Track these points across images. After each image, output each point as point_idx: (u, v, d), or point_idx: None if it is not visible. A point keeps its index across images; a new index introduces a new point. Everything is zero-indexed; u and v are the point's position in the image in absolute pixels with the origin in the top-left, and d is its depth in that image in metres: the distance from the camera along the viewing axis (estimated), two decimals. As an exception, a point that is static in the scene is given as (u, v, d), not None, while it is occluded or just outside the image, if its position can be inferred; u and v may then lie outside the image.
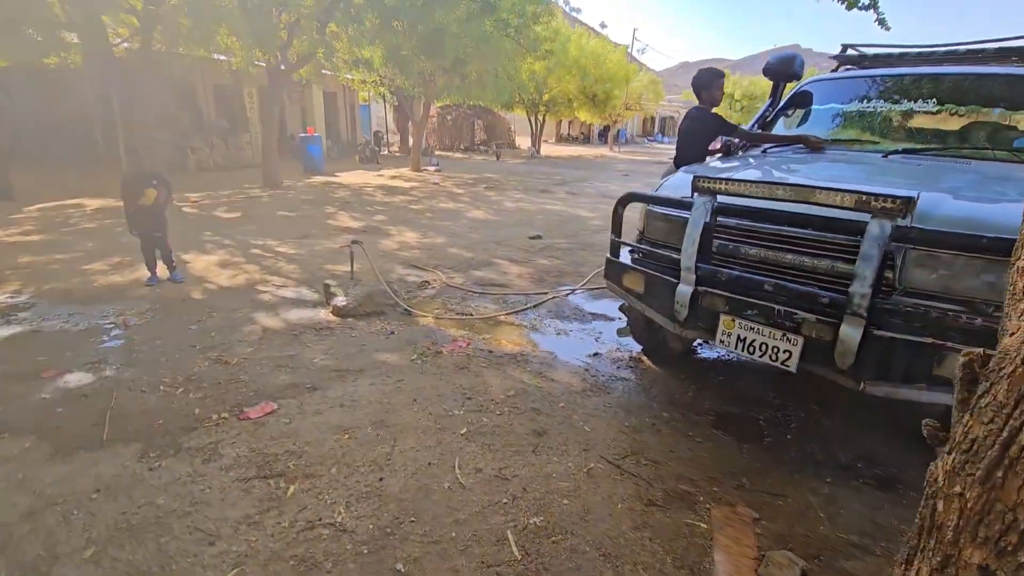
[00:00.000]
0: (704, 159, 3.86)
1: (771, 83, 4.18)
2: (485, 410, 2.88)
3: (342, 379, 3.17)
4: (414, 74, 12.04)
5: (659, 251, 2.83)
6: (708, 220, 2.43)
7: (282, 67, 10.71)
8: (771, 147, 3.62)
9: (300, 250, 6.18)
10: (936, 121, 3.32)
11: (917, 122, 3.41)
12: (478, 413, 2.85)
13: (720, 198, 2.43)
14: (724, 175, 2.69)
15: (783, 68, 4.03)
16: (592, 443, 2.62)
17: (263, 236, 6.86)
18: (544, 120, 26.77)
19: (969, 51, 3.65)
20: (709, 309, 2.46)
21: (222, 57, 12.16)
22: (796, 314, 2.18)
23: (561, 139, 41.09)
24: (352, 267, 4.80)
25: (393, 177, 14.21)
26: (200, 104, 15.19)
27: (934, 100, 3.27)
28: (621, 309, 3.79)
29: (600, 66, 23.81)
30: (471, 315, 4.29)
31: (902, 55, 3.88)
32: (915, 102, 3.36)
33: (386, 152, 22.45)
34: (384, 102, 22.49)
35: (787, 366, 2.24)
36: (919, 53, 3.80)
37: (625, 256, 3.06)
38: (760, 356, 2.31)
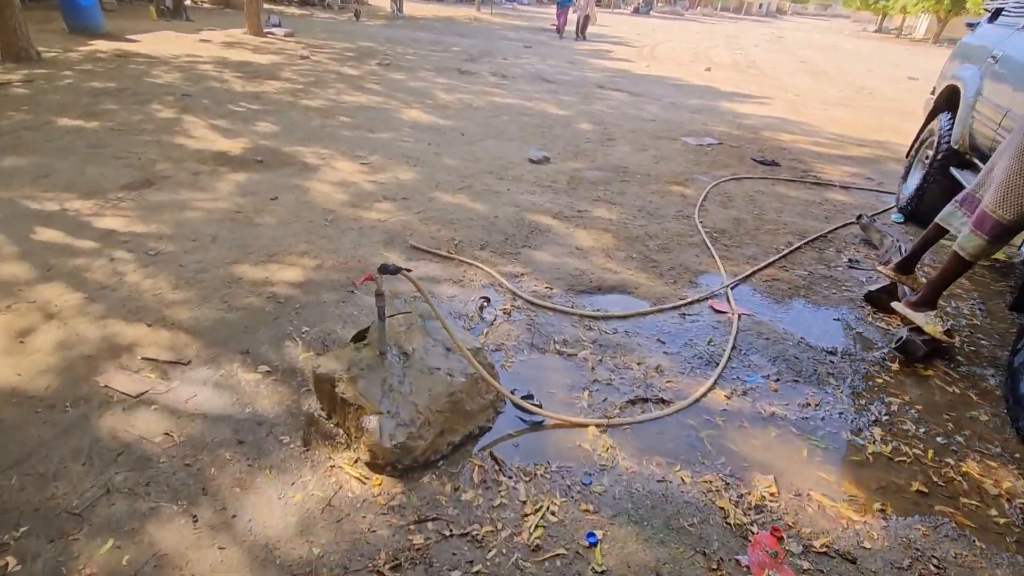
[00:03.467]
0: None
1: None
2: None
3: None
4: None
5: None
6: None
7: None
8: None
9: (147, 226, 3.11)
10: None
11: None
12: None
13: None
14: None
15: None
16: None
17: (41, 187, 3.46)
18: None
19: None
20: None
21: None
22: None
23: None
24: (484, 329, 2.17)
25: (228, 45, 9.65)
26: None
27: None
28: None
29: None
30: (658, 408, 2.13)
31: None
32: None
33: (190, 2, 15.99)
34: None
35: None
36: None
37: None
38: None
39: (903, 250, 3.50)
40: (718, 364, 2.32)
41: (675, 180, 4.78)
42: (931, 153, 4.31)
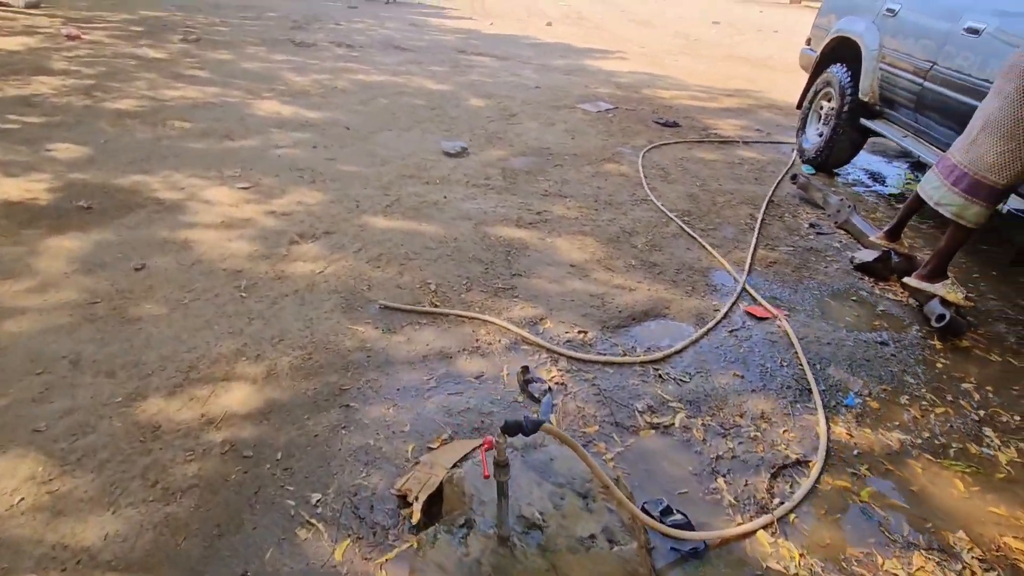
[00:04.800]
0: None
1: None
2: None
3: None
4: None
5: None
6: None
7: None
8: None
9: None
10: None
11: None
12: None
13: None
14: None
15: None
16: None
17: None
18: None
19: None
20: None
21: None
22: None
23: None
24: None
25: (-61, 24, 6.84)
26: None
27: None
28: None
29: None
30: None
31: None
32: None
33: None
34: None
35: None
36: None
37: None
38: None
39: (853, 207, 3.61)
40: (809, 390, 2.06)
41: (603, 157, 4.44)
42: (830, 104, 4.53)
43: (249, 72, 5.89)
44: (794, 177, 4.11)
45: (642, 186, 3.91)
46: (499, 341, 2.21)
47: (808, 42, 5.12)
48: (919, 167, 4.84)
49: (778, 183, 4.16)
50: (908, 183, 4.65)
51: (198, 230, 2.82)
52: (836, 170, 4.64)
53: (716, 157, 4.73)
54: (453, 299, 2.45)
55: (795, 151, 4.93)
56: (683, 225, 3.33)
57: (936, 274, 2.60)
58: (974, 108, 3.00)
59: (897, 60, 3.66)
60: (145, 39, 7.01)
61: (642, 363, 2.13)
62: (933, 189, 2.62)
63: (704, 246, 3.11)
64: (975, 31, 3.01)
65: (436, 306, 2.38)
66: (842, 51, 4.39)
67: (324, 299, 2.36)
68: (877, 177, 4.77)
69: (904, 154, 5.28)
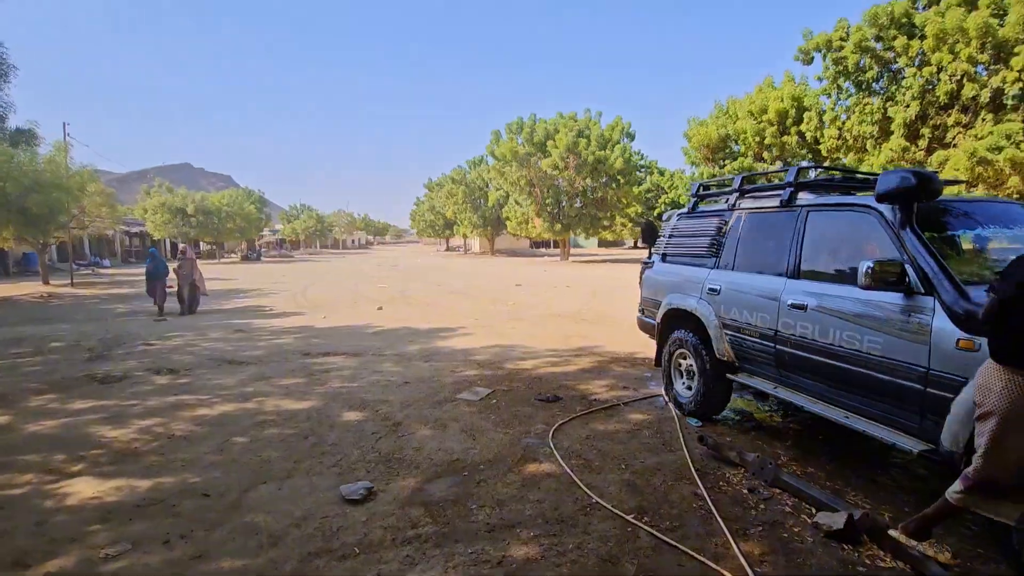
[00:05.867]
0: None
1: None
2: None
3: None
4: None
5: None
6: None
7: None
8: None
9: None
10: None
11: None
12: None
13: None
14: None
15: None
16: None
17: None
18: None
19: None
20: None
21: None
22: None
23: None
24: None
25: None
26: None
27: None
28: None
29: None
30: None
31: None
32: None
33: None
34: None
35: None
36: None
37: None
38: None
39: (772, 463, 3.79)
40: None
41: (518, 456, 4.17)
42: (687, 362, 5.14)
43: (40, 438, 4.57)
44: (701, 439, 4.30)
45: (578, 484, 3.65)
46: None
47: (642, 311, 6.04)
48: (761, 395, 5.56)
49: (687, 448, 4.29)
50: (758, 410, 5.26)
51: None
52: (715, 416, 5.07)
53: (614, 427, 4.82)
54: None
55: (668, 403, 5.34)
56: (656, 534, 3.05)
57: (919, 533, 2.67)
58: (827, 365, 3.61)
59: (741, 327, 4.38)
60: None
61: None
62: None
63: (694, 556, 2.82)
64: (801, 306, 3.78)
65: None
66: (680, 318, 5.21)
67: None
68: (735, 410, 5.33)
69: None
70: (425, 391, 5.92)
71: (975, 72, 19.88)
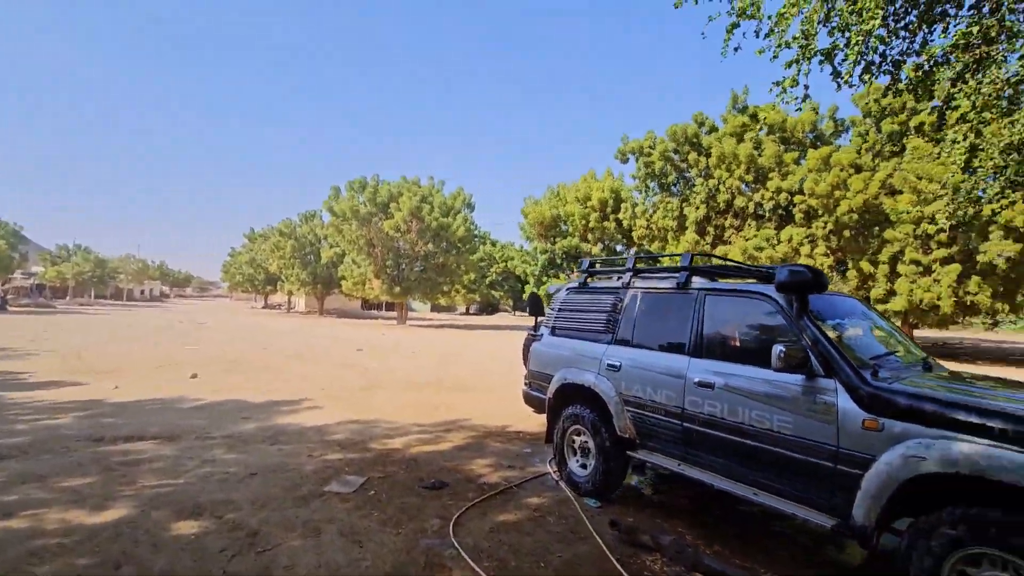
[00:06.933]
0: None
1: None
2: None
3: None
4: None
5: None
6: None
7: None
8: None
9: None
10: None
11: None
12: None
13: None
14: None
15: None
16: None
17: None
18: None
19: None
20: None
21: None
22: None
23: None
24: None
25: None
26: None
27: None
28: None
29: None
30: None
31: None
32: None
33: None
34: None
35: None
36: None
37: None
38: None
39: (693, 547, 3.75)
40: None
41: (423, 566, 3.50)
42: (582, 439, 5.02)
43: None
44: (613, 523, 4.12)
45: (503, 597, 3.14)
46: None
47: (528, 384, 5.86)
48: (640, 469, 5.68)
49: (598, 535, 4.06)
50: (640, 482, 5.34)
51: None
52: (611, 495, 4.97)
53: (514, 516, 4.41)
54: None
55: (560, 483, 5.12)
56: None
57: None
58: (736, 442, 3.77)
59: (644, 404, 4.42)
60: None
61: None
62: None
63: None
64: (708, 384, 3.95)
65: None
66: (575, 394, 5.13)
67: None
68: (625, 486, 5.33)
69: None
70: (281, 484, 4.83)
71: (742, 188, 25.10)
